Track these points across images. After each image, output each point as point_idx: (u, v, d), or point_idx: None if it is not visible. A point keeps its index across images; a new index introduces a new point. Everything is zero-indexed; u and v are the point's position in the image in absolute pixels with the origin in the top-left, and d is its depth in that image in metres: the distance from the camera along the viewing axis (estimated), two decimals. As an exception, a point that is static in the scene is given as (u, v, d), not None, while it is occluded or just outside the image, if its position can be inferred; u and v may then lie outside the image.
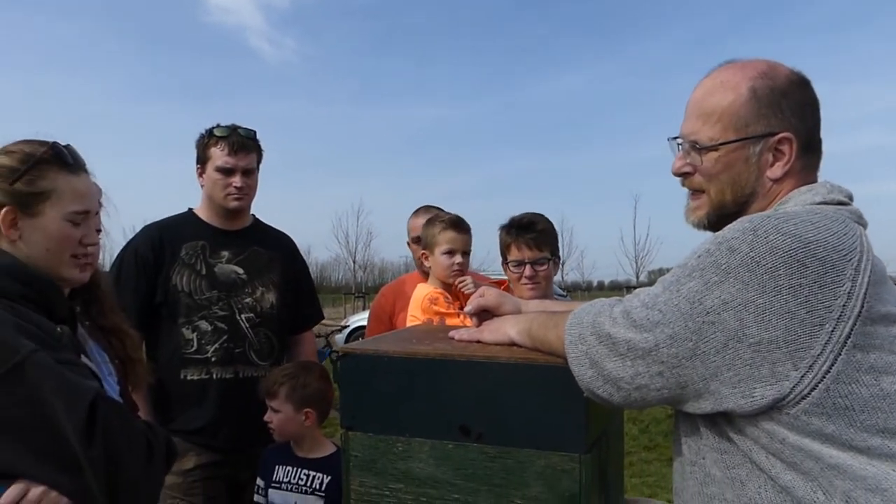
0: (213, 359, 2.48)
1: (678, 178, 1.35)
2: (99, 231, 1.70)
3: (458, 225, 2.58)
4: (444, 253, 2.55)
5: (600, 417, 1.42)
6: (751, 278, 1.02)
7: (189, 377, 2.47)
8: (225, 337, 2.50)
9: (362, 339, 1.96)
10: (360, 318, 13.51)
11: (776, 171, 1.23)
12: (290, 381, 2.24)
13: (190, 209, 2.70)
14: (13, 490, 1.29)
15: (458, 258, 2.54)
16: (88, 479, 1.29)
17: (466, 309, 1.65)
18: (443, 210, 2.99)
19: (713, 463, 1.16)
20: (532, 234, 2.43)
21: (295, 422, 2.22)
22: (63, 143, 1.56)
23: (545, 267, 2.44)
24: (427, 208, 3.11)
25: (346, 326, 13.37)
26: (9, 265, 1.42)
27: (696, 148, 1.27)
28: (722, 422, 1.13)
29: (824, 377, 1.01)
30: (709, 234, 1.30)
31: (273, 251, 2.69)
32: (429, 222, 2.69)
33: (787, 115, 1.21)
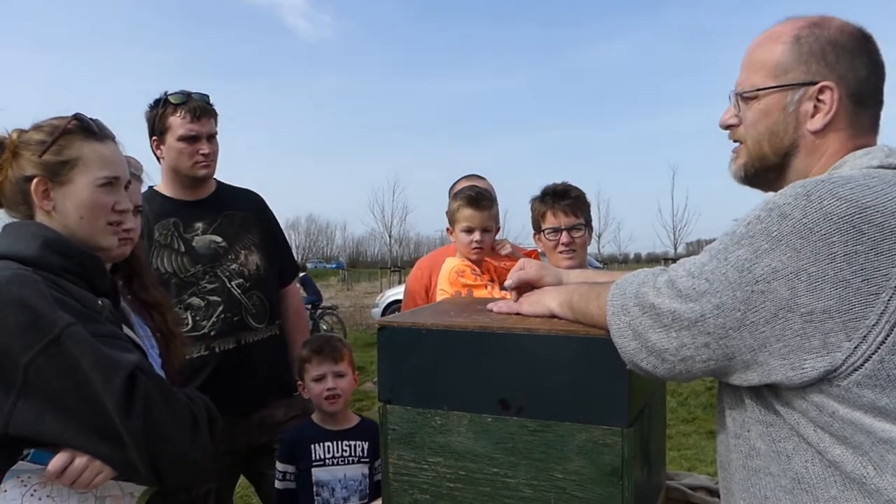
0: (211, 333, 2.46)
1: (726, 133, 1.33)
2: (139, 208, 1.71)
3: (477, 202, 2.50)
4: (463, 230, 2.51)
5: (643, 390, 1.40)
6: (803, 245, 0.98)
7: (189, 355, 2.44)
8: (221, 308, 2.48)
9: (398, 312, 1.96)
10: (396, 293, 13.61)
11: (816, 122, 1.19)
12: (346, 346, 2.30)
13: (150, 187, 2.59)
14: (59, 458, 1.32)
15: (476, 235, 2.49)
16: (129, 451, 1.31)
17: (506, 283, 1.62)
18: (485, 180, 2.93)
19: (758, 436, 1.14)
20: (567, 201, 2.45)
21: (353, 386, 2.28)
22: (90, 117, 1.58)
23: (581, 233, 2.45)
24: (469, 178, 3.01)
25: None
26: (51, 238, 1.45)
27: (742, 98, 1.27)
28: (768, 394, 1.10)
29: (879, 348, 0.97)
30: (746, 187, 1.30)
31: (246, 211, 2.65)
32: (452, 197, 2.64)
33: (831, 64, 1.17)
